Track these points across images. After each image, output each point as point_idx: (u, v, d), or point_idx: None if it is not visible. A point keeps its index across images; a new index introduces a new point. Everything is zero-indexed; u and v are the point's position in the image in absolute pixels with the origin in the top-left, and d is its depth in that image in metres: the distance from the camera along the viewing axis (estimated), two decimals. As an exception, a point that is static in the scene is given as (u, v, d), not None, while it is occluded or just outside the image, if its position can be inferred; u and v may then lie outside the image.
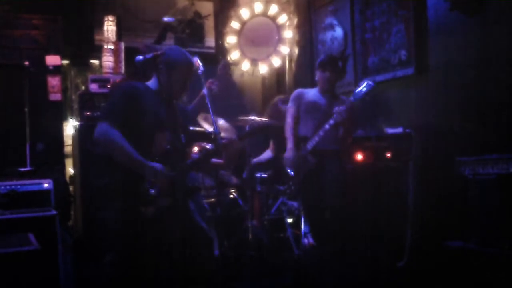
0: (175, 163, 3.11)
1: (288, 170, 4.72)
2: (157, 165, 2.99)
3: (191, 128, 4.23)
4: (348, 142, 4.67)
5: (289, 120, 4.86)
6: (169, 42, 6.35)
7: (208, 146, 3.51)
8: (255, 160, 5.65)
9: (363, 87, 4.39)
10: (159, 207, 3.00)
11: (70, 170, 5.62)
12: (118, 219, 3.04)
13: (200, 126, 5.26)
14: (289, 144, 4.72)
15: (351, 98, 4.45)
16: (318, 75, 4.84)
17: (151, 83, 3.25)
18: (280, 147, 5.59)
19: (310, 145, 4.58)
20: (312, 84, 6.36)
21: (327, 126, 4.47)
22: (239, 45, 6.72)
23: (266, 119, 5.41)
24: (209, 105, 3.64)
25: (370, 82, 4.38)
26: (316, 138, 4.54)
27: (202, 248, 3.21)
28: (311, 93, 4.89)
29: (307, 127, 4.69)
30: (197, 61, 3.84)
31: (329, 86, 4.79)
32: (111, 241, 3.13)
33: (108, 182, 3.07)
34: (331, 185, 4.53)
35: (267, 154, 5.87)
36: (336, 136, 4.59)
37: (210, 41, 6.76)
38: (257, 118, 5.17)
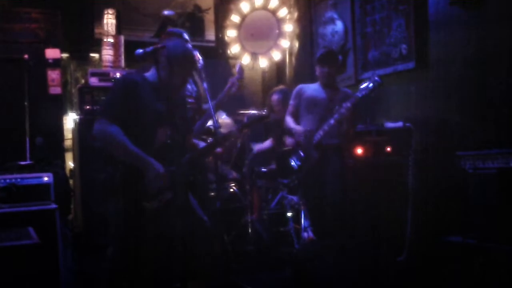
0: (175, 157, 3.10)
1: (292, 163, 4.71)
2: (158, 165, 2.98)
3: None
4: (350, 136, 4.64)
5: (287, 118, 4.89)
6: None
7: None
8: (257, 147, 5.65)
9: (369, 83, 4.26)
10: (160, 202, 3.00)
11: (70, 164, 5.62)
12: (119, 214, 3.04)
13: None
14: (295, 127, 4.75)
15: (357, 94, 4.32)
16: (317, 70, 4.83)
17: (150, 75, 3.21)
18: (280, 142, 5.60)
19: (314, 139, 4.56)
20: (312, 78, 6.36)
21: (332, 121, 4.43)
22: (239, 39, 6.71)
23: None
24: (209, 100, 3.64)
25: (376, 78, 4.26)
26: (321, 133, 4.51)
27: (202, 241, 3.21)
28: (312, 88, 4.88)
29: (309, 122, 4.68)
30: (197, 55, 3.83)
31: (329, 80, 4.78)
32: (111, 235, 3.13)
33: (109, 176, 3.07)
34: (332, 180, 4.52)
35: (268, 143, 5.87)
36: (338, 131, 4.57)
37: (210, 34, 6.75)
38: (257, 112, 5.17)
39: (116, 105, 3.04)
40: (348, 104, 4.34)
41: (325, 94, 4.73)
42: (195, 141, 3.47)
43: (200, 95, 4.30)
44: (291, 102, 4.94)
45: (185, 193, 3.19)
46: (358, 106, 4.48)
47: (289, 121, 4.87)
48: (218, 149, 3.43)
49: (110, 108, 3.06)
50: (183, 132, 3.27)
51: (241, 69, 4.34)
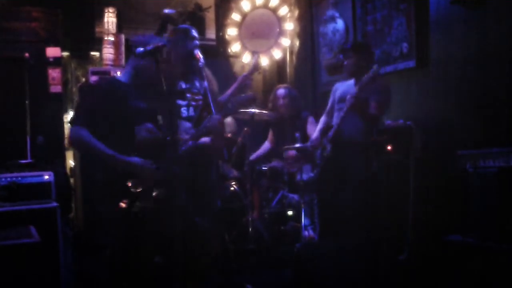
0: (159, 154, 3.12)
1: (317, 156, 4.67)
2: (137, 160, 3.02)
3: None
4: (372, 133, 4.42)
5: (321, 118, 4.87)
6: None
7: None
8: (253, 156, 5.63)
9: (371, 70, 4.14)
10: (149, 201, 3.02)
11: (70, 163, 5.63)
12: (111, 214, 3.08)
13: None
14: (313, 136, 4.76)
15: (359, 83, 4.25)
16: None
17: (122, 76, 3.29)
18: (280, 137, 5.59)
19: (330, 133, 4.48)
20: (313, 77, 6.38)
21: (341, 113, 4.36)
22: (240, 37, 6.70)
23: (267, 110, 5.41)
24: (210, 100, 3.64)
25: (375, 67, 4.11)
26: (335, 126, 4.44)
27: (194, 242, 3.21)
28: (345, 85, 4.68)
29: (336, 118, 4.56)
30: (198, 54, 3.83)
31: (356, 73, 4.44)
32: (108, 236, 3.15)
33: (102, 177, 3.10)
34: (349, 183, 4.39)
35: (264, 147, 5.87)
36: (357, 126, 4.40)
37: (211, 33, 6.75)
38: (257, 111, 5.16)
39: (89, 111, 3.10)
40: (352, 92, 4.23)
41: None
42: (183, 136, 3.48)
43: (212, 90, 4.26)
44: (330, 100, 4.85)
45: (173, 191, 3.18)
46: (364, 98, 4.27)
47: (320, 122, 4.85)
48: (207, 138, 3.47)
49: (83, 114, 3.12)
50: (170, 128, 3.29)
51: (257, 62, 4.26)
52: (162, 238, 3.09)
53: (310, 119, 5.49)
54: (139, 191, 2.99)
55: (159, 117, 3.26)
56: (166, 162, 3.12)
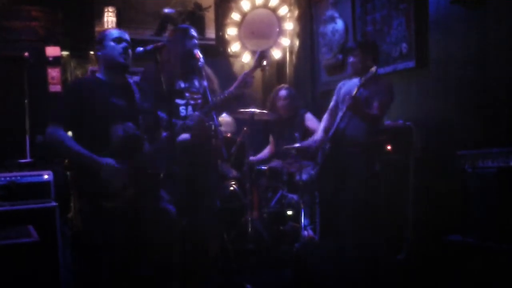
0: (135, 151, 3.13)
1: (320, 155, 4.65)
2: (109, 161, 3.02)
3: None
4: (374, 133, 4.36)
5: (324, 116, 4.81)
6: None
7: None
8: (252, 158, 5.62)
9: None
10: (122, 200, 3.03)
11: (69, 162, 5.62)
12: (82, 215, 3.10)
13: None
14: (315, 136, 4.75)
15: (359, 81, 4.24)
16: None
17: (100, 74, 3.29)
18: (279, 137, 5.59)
19: (330, 132, 4.44)
20: (312, 76, 6.37)
21: (340, 113, 4.34)
22: (240, 37, 6.70)
23: (266, 111, 5.41)
24: (209, 98, 3.63)
25: (373, 69, 4.15)
26: (335, 125, 4.40)
27: (165, 234, 3.21)
28: (350, 83, 4.58)
29: (339, 118, 4.47)
30: (198, 53, 3.82)
31: (362, 72, 4.32)
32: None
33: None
34: (350, 186, 4.34)
35: (265, 152, 5.87)
36: (359, 126, 4.34)
37: (211, 33, 6.73)
38: (257, 111, 5.15)
39: (64, 110, 3.13)
40: (351, 92, 4.21)
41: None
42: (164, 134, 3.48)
43: (212, 89, 4.23)
44: (333, 98, 4.76)
45: (148, 189, 3.18)
46: (363, 98, 4.27)
47: (323, 120, 4.80)
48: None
49: (58, 113, 3.14)
50: (150, 126, 3.30)
51: (261, 56, 4.10)
52: (132, 237, 3.11)
53: (308, 116, 5.50)
54: (112, 191, 3.01)
55: (140, 116, 3.27)
56: (139, 162, 3.13)
